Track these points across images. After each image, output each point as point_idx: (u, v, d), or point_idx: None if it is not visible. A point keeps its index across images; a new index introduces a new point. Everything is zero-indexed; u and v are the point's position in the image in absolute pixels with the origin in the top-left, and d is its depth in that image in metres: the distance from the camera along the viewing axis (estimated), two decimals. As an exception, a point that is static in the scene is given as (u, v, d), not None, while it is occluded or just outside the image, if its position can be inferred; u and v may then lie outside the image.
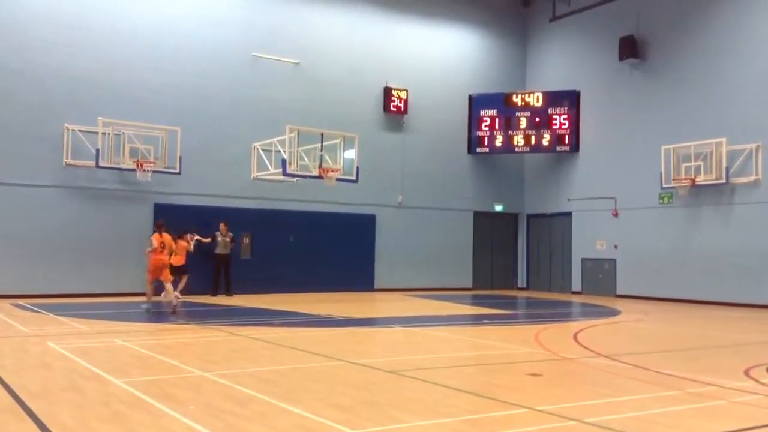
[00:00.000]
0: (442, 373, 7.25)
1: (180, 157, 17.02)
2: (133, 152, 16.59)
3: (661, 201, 19.44)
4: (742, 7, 18.03)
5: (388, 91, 20.89)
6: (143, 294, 13.88)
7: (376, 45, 21.00)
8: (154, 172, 16.72)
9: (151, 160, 16.68)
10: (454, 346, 9.93)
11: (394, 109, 21.00)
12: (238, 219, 17.93)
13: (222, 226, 17.13)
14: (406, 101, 21.10)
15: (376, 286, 20.21)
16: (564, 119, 21.96)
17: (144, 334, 10.51)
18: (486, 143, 22.39)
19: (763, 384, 6.88)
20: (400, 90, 21.05)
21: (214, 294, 17.00)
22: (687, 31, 19.24)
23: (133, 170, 16.52)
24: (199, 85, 18.12)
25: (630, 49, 20.19)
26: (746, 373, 7.49)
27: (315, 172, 16.33)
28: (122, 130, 16.50)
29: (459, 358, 8.72)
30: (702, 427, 5.24)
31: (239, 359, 8.02)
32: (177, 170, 17.01)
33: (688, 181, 18.29)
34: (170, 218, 14.97)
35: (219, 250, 17.15)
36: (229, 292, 17.09)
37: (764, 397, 6.29)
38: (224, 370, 7.08)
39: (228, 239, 17.19)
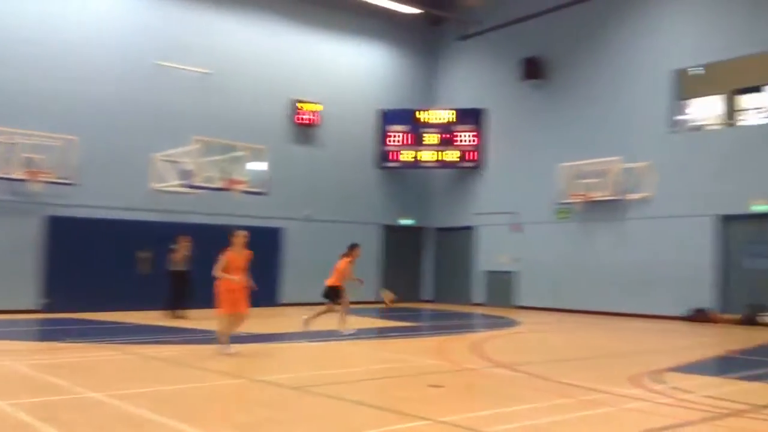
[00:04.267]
0: (347, 388, 7.25)
1: (77, 168, 16.29)
2: (27, 162, 15.74)
3: (559, 216, 20.26)
4: (638, 31, 19.11)
5: (298, 104, 20.82)
6: (36, 311, 13.09)
7: (287, 57, 20.89)
8: (49, 183, 15.92)
9: (45, 170, 15.87)
10: (360, 360, 9.95)
11: (305, 122, 20.95)
12: (139, 232, 17.29)
13: (182, 239, 16.08)
14: (317, 114, 21.10)
15: (283, 300, 19.97)
16: (471, 136, 22.55)
17: (34, 353, 9.95)
18: (395, 158, 22.67)
19: (649, 390, 7.26)
20: (311, 103, 21.03)
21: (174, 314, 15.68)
22: (587, 54, 20.21)
23: (25, 181, 15.67)
24: (100, 93, 17.41)
25: (533, 69, 21.01)
26: (635, 380, 7.88)
27: (220, 184, 16.01)
28: (15, 139, 15.62)
29: (364, 372, 8.74)
30: (593, 433, 5.47)
31: (134, 379, 7.71)
32: (73, 181, 16.25)
33: (585, 197, 19.16)
34: (66, 231, 14.22)
35: (179, 267, 15.98)
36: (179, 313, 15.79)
37: (650, 403, 6.64)
38: (118, 390, 6.79)
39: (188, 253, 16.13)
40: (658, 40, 18.64)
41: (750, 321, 15.90)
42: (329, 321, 12.57)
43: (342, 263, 12.83)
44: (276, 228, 20.22)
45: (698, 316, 16.73)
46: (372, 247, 22.30)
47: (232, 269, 9.42)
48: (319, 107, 21.17)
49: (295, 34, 21.20)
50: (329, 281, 12.70)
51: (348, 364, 9.29)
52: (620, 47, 19.45)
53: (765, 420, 5.93)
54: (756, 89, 19.41)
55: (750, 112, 19.66)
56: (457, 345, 11.50)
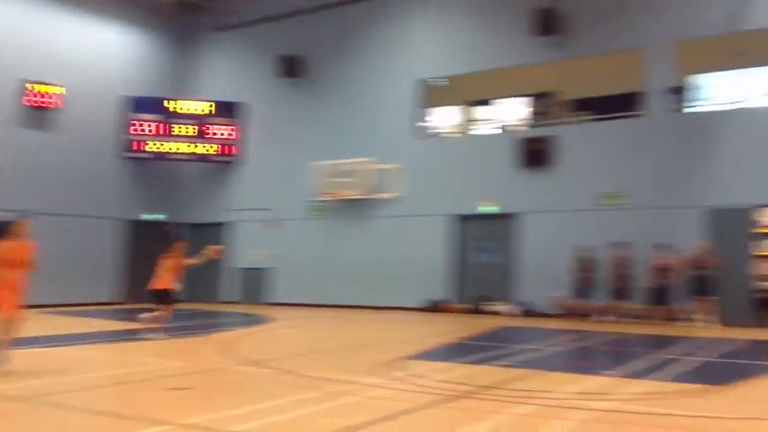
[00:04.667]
0: (83, 396, 6.67)
1: None
2: None
3: (313, 213, 20.72)
4: (390, 40, 20.23)
5: (28, 85, 18.72)
6: None
7: (19, 36, 18.71)
8: None
9: None
10: (98, 365, 9.22)
11: (38, 105, 18.91)
12: None
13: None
14: (57, 97, 19.16)
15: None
16: (228, 130, 22.11)
17: None
18: (140, 148, 21.44)
19: (390, 378, 7.68)
20: (49, 85, 19.04)
21: None
22: (342, 57, 20.91)
23: None
24: None
25: (290, 67, 21.22)
26: (377, 369, 8.29)
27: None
28: None
29: (102, 378, 8.11)
30: (339, 423, 5.62)
31: None
32: None
33: (338, 195, 19.84)
34: None
35: None
36: None
37: (390, 390, 7.03)
38: None
39: None
40: (406, 50, 19.92)
41: (479, 310, 17.67)
42: (66, 324, 11.47)
43: (170, 262, 11.75)
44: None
45: (435, 307, 18.21)
46: (108, 243, 20.78)
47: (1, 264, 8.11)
48: (59, 90, 19.28)
49: (32, 13, 19.09)
50: (156, 284, 11.63)
51: (85, 371, 8.55)
52: (373, 53, 20.44)
53: (489, 399, 6.57)
54: (486, 102, 21.63)
55: (482, 122, 21.84)
56: (205, 345, 11.19)
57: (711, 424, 5.81)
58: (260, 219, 21.44)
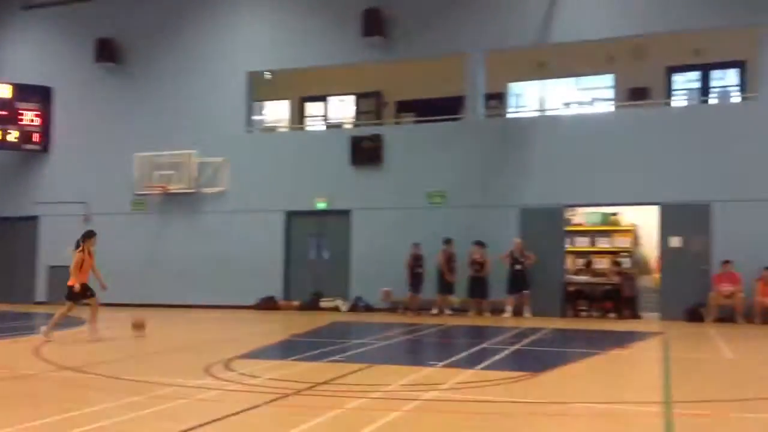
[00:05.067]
0: None
1: None
2: None
3: (133, 207, 19.63)
4: (217, 29, 19.58)
5: None
6: None
7: None
8: None
9: None
10: None
11: None
12: None
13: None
14: None
15: None
16: (34, 116, 20.28)
17: None
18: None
19: (220, 379, 7.47)
20: None
21: None
22: (166, 44, 19.94)
23: None
24: None
25: (107, 52, 19.92)
26: (207, 370, 8.03)
27: None
28: None
29: None
30: (166, 428, 5.36)
31: None
32: None
33: (161, 189, 18.94)
34: None
35: None
36: None
37: (221, 392, 6.83)
38: None
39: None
40: (234, 41, 19.43)
41: (313, 306, 17.68)
42: None
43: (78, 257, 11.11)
44: None
45: (268, 305, 17.97)
46: None
47: None
48: None
49: None
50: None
51: None
52: (199, 41, 19.73)
53: (322, 396, 6.60)
54: (322, 98, 21.77)
55: (314, 119, 21.94)
56: (12, 349, 10.19)
57: (519, 408, 6.26)
58: (75, 214, 19.87)
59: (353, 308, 17.38)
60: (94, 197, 19.85)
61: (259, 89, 19.93)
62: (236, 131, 19.15)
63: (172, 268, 19.02)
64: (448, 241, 16.41)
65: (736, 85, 18.24)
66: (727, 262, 14.71)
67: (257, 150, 19.03)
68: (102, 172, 19.83)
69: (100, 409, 5.99)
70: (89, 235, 11.60)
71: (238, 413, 5.80)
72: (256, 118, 20.60)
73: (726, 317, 14.63)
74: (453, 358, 9.43)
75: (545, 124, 17.52)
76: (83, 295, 11.32)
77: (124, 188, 19.35)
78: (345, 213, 18.13)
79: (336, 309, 17.48)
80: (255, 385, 7.13)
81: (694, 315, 14.80)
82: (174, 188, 18.92)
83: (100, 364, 8.52)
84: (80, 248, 11.36)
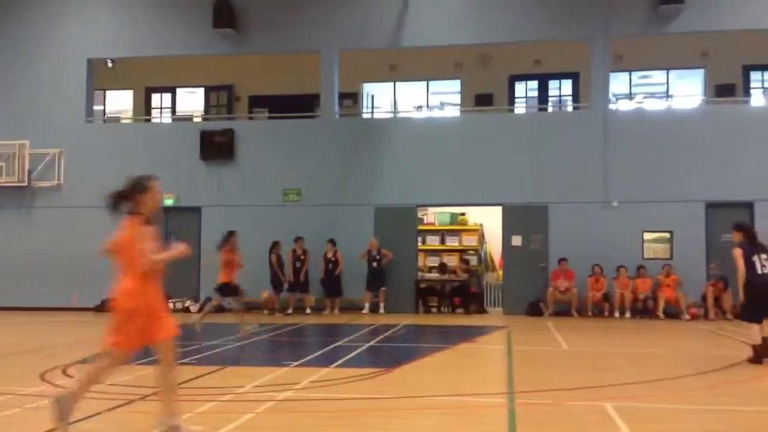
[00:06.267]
0: None
1: None
2: None
3: (-45, 201, 17.76)
4: (52, 13, 18.15)
5: None
6: None
7: None
8: None
9: None
10: None
11: None
12: None
13: None
14: None
15: None
16: None
17: None
18: None
19: (58, 386, 6.92)
20: None
21: None
22: (-4, 28, 18.24)
23: None
24: None
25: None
26: (43, 377, 7.42)
27: None
28: None
29: None
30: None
31: None
32: None
33: (-12, 181, 17.31)
34: None
35: None
36: None
37: (58, 400, 6.33)
38: None
39: None
40: (74, 26, 18.14)
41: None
42: None
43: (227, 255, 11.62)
44: None
45: (108, 307, 16.86)
46: None
47: None
48: None
49: None
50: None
51: None
52: (38, 25, 18.20)
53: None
54: (171, 90, 20.85)
55: (161, 110, 21.00)
56: None
57: (373, 404, 6.35)
58: None
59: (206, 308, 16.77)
60: None
61: (101, 77, 18.74)
62: (75, 121, 17.87)
63: (1, 268, 17.41)
64: (300, 239, 16.34)
65: (570, 95, 19.67)
66: (563, 259, 15.80)
67: (98, 142, 17.87)
68: None
69: None
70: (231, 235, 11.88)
71: (79, 420, 5.39)
72: (97, 108, 19.34)
73: (562, 311, 15.72)
74: (308, 357, 9.38)
75: (398, 126, 17.91)
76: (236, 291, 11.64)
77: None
78: (195, 210, 17.50)
79: (186, 310, 16.82)
80: (96, 391, 6.67)
81: (534, 309, 15.77)
82: (3, 181, 17.34)
83: None
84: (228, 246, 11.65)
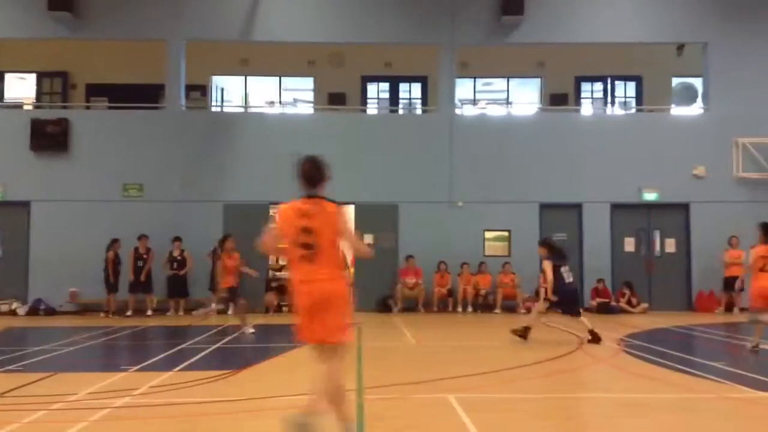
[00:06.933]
0: None
1: None
2: None
3: None
4: None
5: None
6: None
7: None
8: None
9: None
10: None
11: None
12: None
13: None
14: None
15: None
16: None
17: None
18: None
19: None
20: None
21: None
22: None
23: None
24: None
25: None
26: None
27: None
28: None
29: None
30: None
31: None
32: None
33: None
34: None
35: None
36: None
37: None
38: None
39: None
40: None
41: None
42: None
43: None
44: None
45: None
46: None
47: None
48: None
49: None
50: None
51: None
52: None
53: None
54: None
55: None
56: None
57: (218, 407, 6.15)
58: None
59: (33, 311, 15.53)
60: None
61: None
62: None
63: None
64: (142, 237, 15.57)
65: (420, 98, 20.24)
66: (410, 256, 16.23)
67: None
68: None
69: None
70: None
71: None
72: None
73: (410, 307, 16.14)
74: (149, 361, 8.92)
75: (249, 121, 17.55)
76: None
77: None
78: (23, 204, 16.16)
79: (12, 313, 15.46)
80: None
81: (384, 306, 16.06)
82: None
83: None
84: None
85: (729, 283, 15.22)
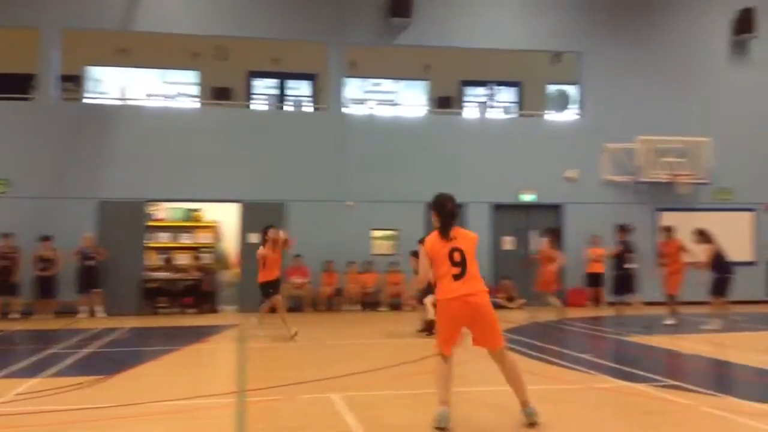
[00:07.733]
0: None
1: None
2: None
3: None
4: None
5: None
6: None
7: None
8: None
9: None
10: None
11: None
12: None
13: None
14: None
15: None
16: None
17: None
18: None
19: None
20: None
21: None
22: None
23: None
24: None
25: None
26: None
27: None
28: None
29: None
30: None
31: None
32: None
33: None
34: None
35: None
36: None
37: None
38: None
39: None
40: None
41: None
42: None
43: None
44: None
45: None
46: None
47: None
48: None
49: None
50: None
51: None
52: None
53: None
54: None
55: None
56: None
57: (89, 414, 5.83)
58: None
59: None
60: None
61: None
62: None
63: None
64: (5, 235, 14.50)
65: (309, 96, 20.08)
66: (298, 256, 16.04)
67: None
68: None
69: None
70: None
71: None
72: None
73: (296, 307, 15.94)
74: (13, 368, 8.30)
75: (127, 114, 16.72)
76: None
77: None
78: None
79: None
80: None
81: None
82: None
83: None
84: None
85: (591, 279, 16.26)
